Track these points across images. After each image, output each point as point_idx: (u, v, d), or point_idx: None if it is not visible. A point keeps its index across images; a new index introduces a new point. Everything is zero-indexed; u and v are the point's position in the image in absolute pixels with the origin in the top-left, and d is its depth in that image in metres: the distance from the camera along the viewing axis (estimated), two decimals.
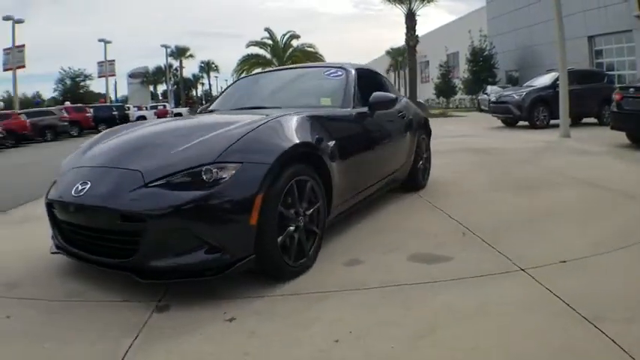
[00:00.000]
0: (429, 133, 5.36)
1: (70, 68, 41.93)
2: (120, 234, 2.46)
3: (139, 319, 2.24)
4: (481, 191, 4.82)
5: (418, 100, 26.51)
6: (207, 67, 62.46)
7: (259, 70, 29.27)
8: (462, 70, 28.57)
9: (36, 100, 41.50)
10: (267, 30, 30.24)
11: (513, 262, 2.72)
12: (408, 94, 26.29)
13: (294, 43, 30.94)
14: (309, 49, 30.79)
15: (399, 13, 24.50)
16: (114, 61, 38.49)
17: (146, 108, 35.65)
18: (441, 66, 30.48)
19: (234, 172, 2.41)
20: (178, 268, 2.36)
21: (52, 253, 2.89)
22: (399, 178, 4.53)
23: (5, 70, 28.82)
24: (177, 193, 2.36)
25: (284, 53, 30.29)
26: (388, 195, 4.57)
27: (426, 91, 34.52)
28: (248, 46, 30.55)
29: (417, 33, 23.46)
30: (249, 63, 30.14)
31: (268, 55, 30.40)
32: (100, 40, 37.27)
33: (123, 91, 57.76)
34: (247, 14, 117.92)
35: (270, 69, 5.53)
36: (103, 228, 2.53)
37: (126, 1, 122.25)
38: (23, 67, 28.66)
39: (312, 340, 2.00)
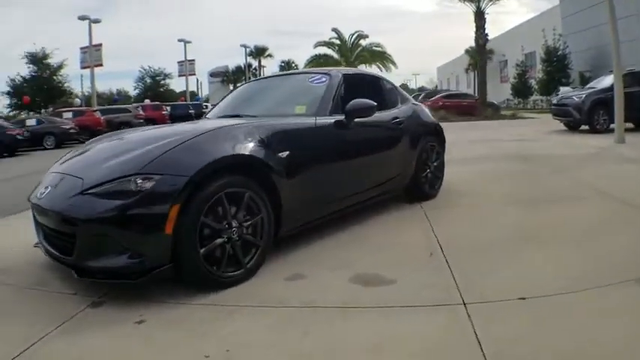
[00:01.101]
0: (441, 140, 4.95)
1: (149, 67, 42.21)
2: (64, 234, 2.61)
3: (72, 311, 2.39)
4: (491, 204, 4.38)
5: (490, 100, 25.26)
6: (288, 67, 63.31)
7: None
8: (537, 70, 26.71)
9: (115, 98, 42.38)
10: (334, 30, 29.94)
11: (460, 293, 2.39)
12: (478, 94, 25.11)
13: (363, 42, 30.37)
14: (376, 48, 30.09)
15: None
16: (194, 60, 39.45)
17: None
18: (517, 65, 28.69)
19: (154, 183, 2.41)
20: (106, 270, 2.44)
21: (34, 246, 3.11)
22: (394, 187, 4.24)
23: (83, 68, 28.61)
24: (104, 201, 2.44)
25: (351, 53, 29.84)
26: (388, 203, 4.32)
27: (505, 92, 32.62)
28: (316, 46, 30.46)
29: (486, 32, 22.26)
30: (316, 63, 30.03)
31: (336, 55, 30.06)
32: (180, 41, 37.21)
33: (207, 89, 60.33)
34: (330, 13, 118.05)
35: (265, 76, 5.44)
36: (54, 228, 2.70)
37: (207, 1, 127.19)
38: (101, 65, 28.40)
39: (191, 351, 1.99)
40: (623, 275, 2.49)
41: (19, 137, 15.51)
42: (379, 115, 3.97)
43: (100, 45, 27.97)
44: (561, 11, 26.79)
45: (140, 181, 2.40)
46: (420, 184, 4.50)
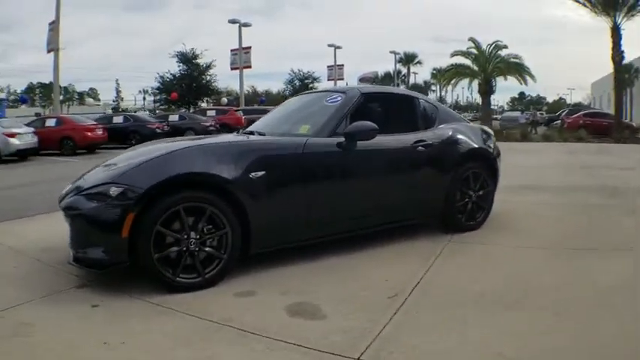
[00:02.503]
0: (489, 166, 4.12)
1: (299, 70, 39.73)
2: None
3: (61, 287, 2.70)
4: (521, 247, 3.56)
5: (628, 121, 21.14)
6: (439, 74, 59.76)
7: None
8: None
9: (261, 99, 40.38)
10: (471, 39, 27.15)
11: (367, 348, 2.02)
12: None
13: (501, 53, 27.30)
14: (514, 59, 26.80)
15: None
16: (343, 65, 37.44)
17: None
18: None
19: (120, 191, 2.54)
20: (86, 259, 2.64)
21: None
22: (411, 216, 3.73)
23: (232, 69, 27.65)
24: (86, 202, 2.64)
25: (488, 64, 27.06)
26: (416, 230, 3.80)
27: None
28: (453, 55, 28.07)
29: (622, 48, 18.47)
30: (452, 72, 27.92)
31: (472, 65, 27.51)
32: (330, 46, 35.36)
33: None
34: (487, 21, 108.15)
35: (304, 92, 5.14)
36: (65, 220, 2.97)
37: (367, 8, 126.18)
38: (249, 67, 27.35)
39: (99, 336, 2.10)
40: None
41: (157, 131, 15.51)
42: (394, 138, 3.54)
43: (249, 48, 27.06)
44: None
45: (114, 189, 2.55)
46: (454, 214, 3.85)
